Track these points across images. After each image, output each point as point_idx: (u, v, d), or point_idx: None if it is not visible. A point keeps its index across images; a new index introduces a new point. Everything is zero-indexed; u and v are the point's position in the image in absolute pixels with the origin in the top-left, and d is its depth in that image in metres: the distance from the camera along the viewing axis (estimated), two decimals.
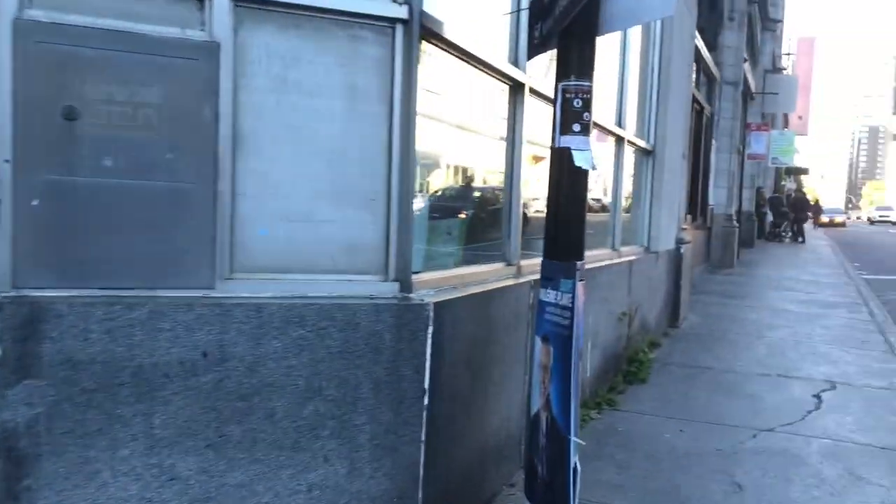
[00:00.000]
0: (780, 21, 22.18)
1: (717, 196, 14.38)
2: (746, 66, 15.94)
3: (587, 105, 2.61)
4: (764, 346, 7.14)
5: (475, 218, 3.88)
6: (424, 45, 2.95)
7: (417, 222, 2.96)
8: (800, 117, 39.10)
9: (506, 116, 3.70)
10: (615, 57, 5.91)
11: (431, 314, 2.61)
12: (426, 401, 2.62)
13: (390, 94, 2.63)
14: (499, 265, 3.65)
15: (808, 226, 50.30)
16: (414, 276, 2.74)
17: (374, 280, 2.66)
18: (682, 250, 8.01)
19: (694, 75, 11.91)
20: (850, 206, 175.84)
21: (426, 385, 2.62)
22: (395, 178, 2.64)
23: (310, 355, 2.48)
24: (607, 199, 6.11)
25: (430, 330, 2.60)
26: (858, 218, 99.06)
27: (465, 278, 3.21)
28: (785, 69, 27.50)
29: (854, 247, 26.32)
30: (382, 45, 2.62)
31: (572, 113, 2.60)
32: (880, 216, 66.49)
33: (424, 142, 3.28)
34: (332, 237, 2.62)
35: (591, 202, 6.13)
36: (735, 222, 14.79)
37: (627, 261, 6.04)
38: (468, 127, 3.69)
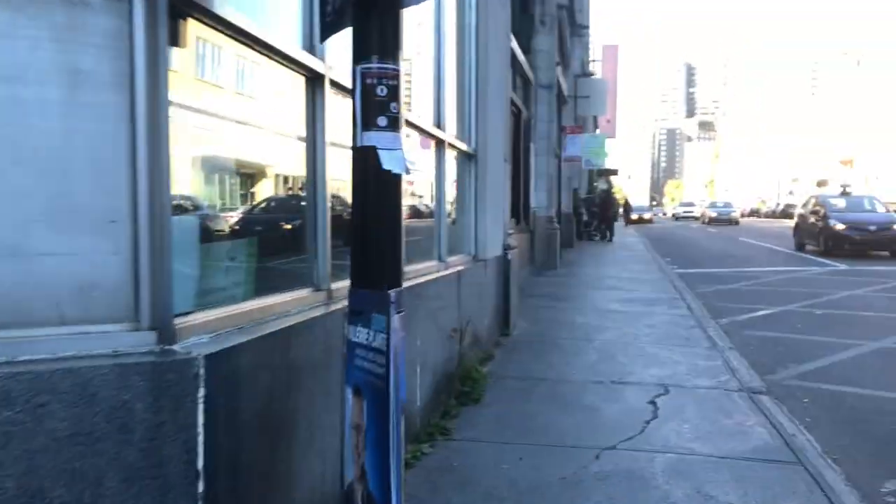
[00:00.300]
0: (587, 27, 23.19)
1: (538, 199, 14.55)
2: (559, 70, 16.34)
3: (394, 93, 2.08)
4: (594, 351, 7.01)
5: (272, 235, 3.24)
6: (189, 24, 2.31)
7: (184, 247, 2.30)
8: (608, 121, 41.39)
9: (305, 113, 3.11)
10: (429, 52, 5.48)
11: (203, 371, 1.96)
12: (201, 486, 1.97)
13: (130, 81, 1.95)
14: (304, 292, 3.05)
15: (619, 224, 53.82)
16: (179, 320, 2.08)
17: (119, 330, 1.96)
18: (509, 256, 7.77)
19: (511, 78, 11.88)
20: (654, 203, 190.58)
21: (200, 465, 1.97)
22: (142, 191, 1.96)
23: (22, 446, 1.76)
24: (430, 207, 5.67)
25: (203, 393, 1.96)
26: (664, 214, 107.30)
27: (258, 313, 2.58)
28: (594, 74, 28.87)
29: (663, 242, 28.10)
30: (116, 13, 1.94)
31: (376, 103, 2.06)
32: (684, 212, 69.28)
33: (200, 144, 2.61)
34: (56, 275, 1.90)
35: (418, 208, 5.68)
36: (556, 224, 15.04)
37: (456, 271, 5.62)
38: (259, 125, 3.05)
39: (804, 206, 22.68)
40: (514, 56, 11.64)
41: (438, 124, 5.45)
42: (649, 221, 60.55)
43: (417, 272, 4.75)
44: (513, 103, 11.81)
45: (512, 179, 12.58)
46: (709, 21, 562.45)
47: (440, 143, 5.50)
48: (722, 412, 5.02)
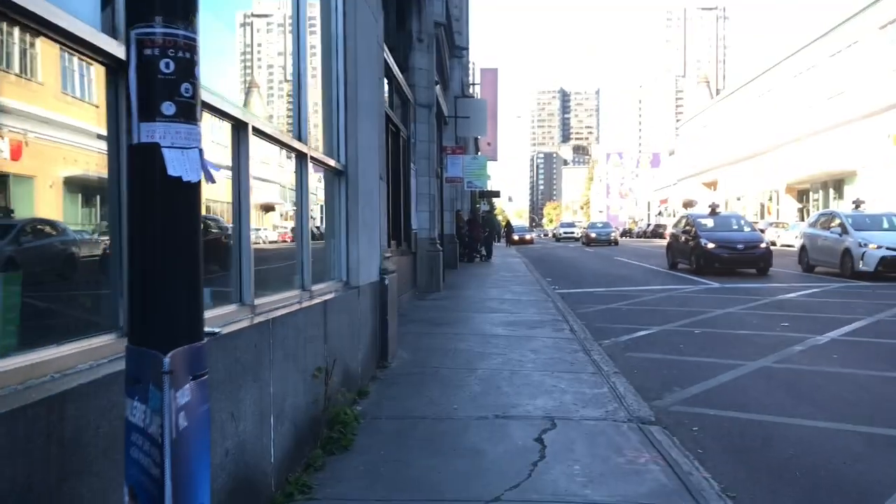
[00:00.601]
0: (466, 49, 23.15)
1: (420, 220, 14.11)
2: (438, 89, 16.06)
3: (187, 70, 1.50)
4: (478, 382, 6.54)
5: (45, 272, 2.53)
6: None
7: None
8: (489, 143, 41.86)
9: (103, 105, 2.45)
10: (287, 59, 4.89)
11: None
12: None
13: None
14: (102, 340, 2.37)
15: (501, 244, 54.47)
16: None
17: None
18: (387, 281, 7.21)
19: (387, 94, 11.41)
20: (533, 224, 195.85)
21: None
22: None
23: None
24: (290, 228, 5.04)
25: None
26: (545, 235, 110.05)
27: (22, 374, 1.90)
28: (474, 95, 28.94)
29: (544, 262, 28.40)
30: None
31: (160, 83, 1.47)
32: (565, 233, 69.83)
33: None
34: None
35: (282, 230, 5.04)
36: (439, 246, 14.64)
37: (322, 301, 5.01)
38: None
39: (676, 225, 23.43)
40: (390, 72, 11.19)
41: (299, 136, 4.85)
42: (530, 242, 61.77)
43: (273, 305, 4.12)
44: (391, 121, 11.34)
45: (391, 200, 12.09)
46: (583, 49, 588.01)
47: (301, 157, 4.90)
48: (613, 448, 4.63)
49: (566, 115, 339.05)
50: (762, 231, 24.15)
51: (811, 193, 48.76)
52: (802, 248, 20.38)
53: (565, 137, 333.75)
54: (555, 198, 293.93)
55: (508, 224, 64.79)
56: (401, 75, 12.56)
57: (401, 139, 12.37)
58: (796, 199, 51.49)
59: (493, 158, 44.37)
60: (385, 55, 9.87)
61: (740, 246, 19.36)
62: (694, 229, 20.62)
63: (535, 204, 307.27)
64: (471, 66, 29.39)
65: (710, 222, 21.20)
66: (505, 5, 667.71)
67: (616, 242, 49.86)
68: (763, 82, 55.62)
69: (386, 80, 11.42)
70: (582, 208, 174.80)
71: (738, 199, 59.70)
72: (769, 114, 54.66)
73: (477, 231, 27.45)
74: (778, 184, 52.08)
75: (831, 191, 45.18)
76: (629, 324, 10.82)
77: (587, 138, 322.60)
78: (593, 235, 50.80)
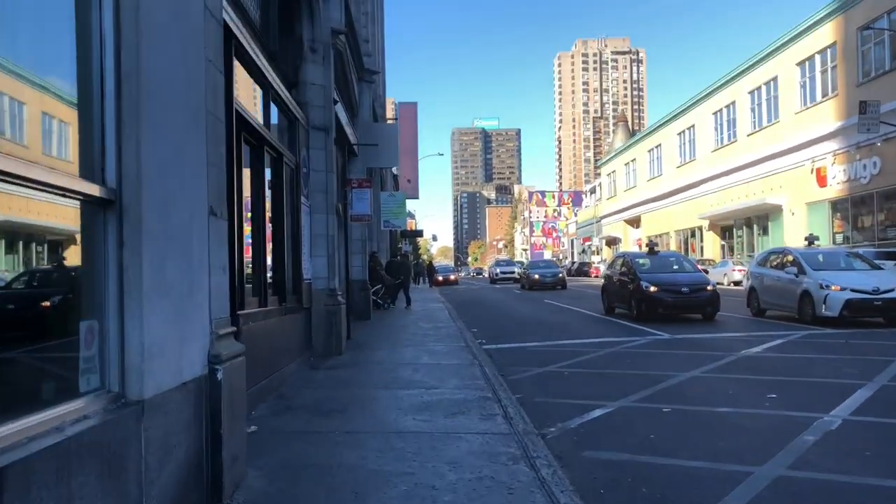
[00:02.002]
0: (377, 73, 20.81)
1: (315, 267, 11.49)
2: (340, 110, 13.57)
3: None
4: None
5: None
6: None
7: None
8: (409, 181, 39.62)
9: None
10: None
11: None
12: None
13: None
14: None
15: (423, 286, 51.99)
16: None
17: None
18: (220, 375, 4.57)
19: (261, 107, 8.88)
20: (459, 263, 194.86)
21: None
22: None
23: None
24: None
25: None
26: (479, 274, 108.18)
27: None
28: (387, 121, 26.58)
29: (469, 307, 26.01)
30: None
31: None
32: (502, 273, 57.64)
33: None
34: None
35: None
36: (340, 298, 12.00)
37: (22, 458, 2.38)
38: None
39: (611, 266, 21.45)
40: (265, 79, 8.66)
41: None
42: (455, 283, 59.56)
43: None
44: (267, 143, 8.80)
45: (273, 244, 9.45)
46: (504, 89, 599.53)
47: None
48: None
49: (488, 156, 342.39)
50: (705, 272, 22.29)
51: (735, 230, 48.30)
52: (751, 289, 18.57)
53: (488, 177, 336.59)
54: (479, 236, 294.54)
55: (430, 264, 63.69)
56: (287, 93, 10.05)
57: (284, 167, 9.80)
58: (719, 235, 51.07)
59: (413, 196, 42.17)
60: (244, 40, 7.34)
61: (685, 289, 17.39)
62: (633, 271, 18.61)
63: (460, 243, 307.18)
64: (388, 100, 26.99)
65: (649, 263, 19.25)
66: (421, 43, 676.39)
67: (564, 285, 40.55)
68: (683, 120, 55.45)
69: (260, 90, 8.87)
70: (506, 247, 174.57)
71: (659, 236, 59.15)
72: (690, 150, 54.47)
73: (374, 274, 23.88)
74: (701, 221, 51.57)
75: (755, 227, 44.73)
76: (577, 398, 8.46)
77: (509, 177, 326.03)
78: (536, 277, 40.28)
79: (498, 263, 66.01)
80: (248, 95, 8.14)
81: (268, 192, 9.03)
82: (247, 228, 8.29)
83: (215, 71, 4.81)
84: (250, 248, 8.54)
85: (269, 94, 9.02)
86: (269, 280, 9.17)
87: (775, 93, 40.57)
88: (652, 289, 17.51)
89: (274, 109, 9.68)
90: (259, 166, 8.60)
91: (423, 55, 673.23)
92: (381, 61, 30.38)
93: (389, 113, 40.20)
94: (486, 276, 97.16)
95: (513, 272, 55.96)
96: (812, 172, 35.88)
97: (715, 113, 49.51)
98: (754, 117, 43.50)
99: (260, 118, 8.67)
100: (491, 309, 25.39)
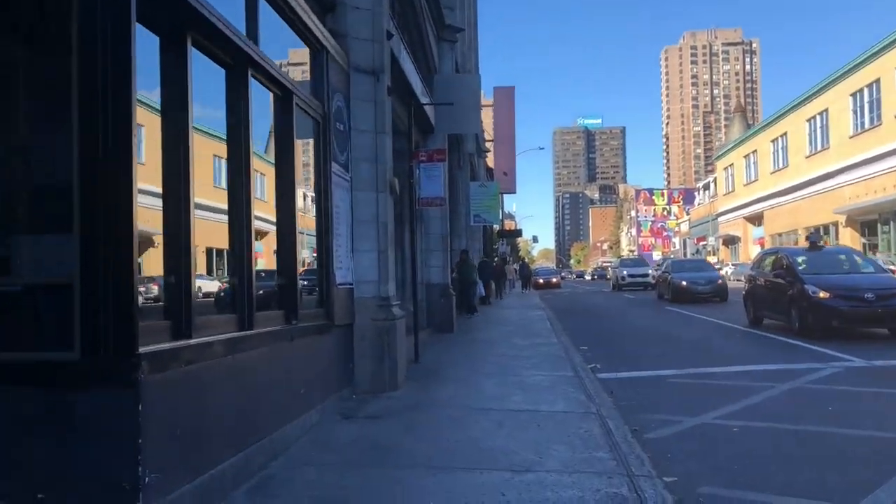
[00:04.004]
0: (461, 30, 17.31)
1: (359, 267, 8.11)
2: (407, 60, 10.15)
3: None
4: None
5: None
6: None
7: None
8: (505, 173, 35.94)
9: None
10: None
11: None
12: None
13: None
14: None
15: (516, 289, 47.14)
16: None
17: None
18: None
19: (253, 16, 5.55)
20: (560, 265, 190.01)
21: None
22: None
23: None
24: None
25: None
26: (580, 277, 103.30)
27: None
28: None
29: (573, 316, 22.10)
30: None
31: None
32: (630, 277, 41.84)
33: None
34: None
35: None
36: (396, 310, 8.54)
37: None
38: None
39: (758, 265, 17.09)
40: None
41: None
42: (556, 286, 55.17)
43: None
44: (259, 69, 5.48)
45: (280, 230, 6.16)
46: (606, 86, 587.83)
47: None
48: None
49: (591, 155, 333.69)
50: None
51: (879, 225, 42.04)
52: None
53: (591, 177, 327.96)
54: (581, 238, 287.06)
55: (524, 264, 55.23)
56: (305, 6, 6.73)
57: (298, 114, 6.45)
58: (859, 232, 44.79)
59: (510, 191, 38.50)
60: None
61: (869, 295, 12.91)
62: (793, 271, 14.31)
63: (562, 245, 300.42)
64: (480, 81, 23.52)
65: (811, 260, 14.85)
66: (517, 42, 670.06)
67: (724, 296, 25.82)
68: (814, 104, 49.27)
69: None
70: (611, 248, 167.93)
71: (780, 235, 53.11)
72: (822, 138, 48.34)
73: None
74: (836, 216, 45.43)
75: None
76: (778, 490, 4.72)
77: (613, 177, 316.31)
78: (684, 285, 26.25)
79: (624, 264, 48.32)
80: None
81: (259, 147, 5.68)
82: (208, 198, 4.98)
83: None
84: (230, 236, 5.25)
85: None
86: (272, 287, 5.86)
87: None
88: (822, 294, 13.19)
89: (281, 25, 6.36)
90: (237, 100, 5.27)
91: (520, 54, 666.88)
92: (475, 60, 26.96)
93: (482, 99, 36.78)
94: (589, 278, 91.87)
95: (646, 275, 41.44)
96: None
97: (853, 94, 43.38)
98: None
99: (242, 27, 5.34)
100: (601, 318, 21.40)
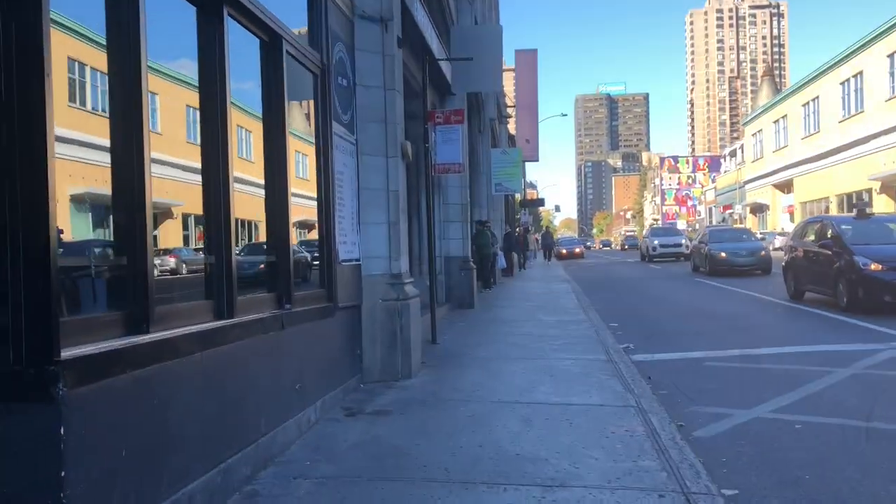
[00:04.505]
0: None
1: (366, 241, 7.25)
2: (419, 9, 9.14)
3: None
4: None
5: None
6: None
7: None
8: (527, 140, 34.76)
9: None
10: None
11: None
12: None
13: None
14: None
15: (540, 259, 46.26)
16: None
17: None
18: None
19: None
20: (582, 234, 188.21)
21: None
22: None
23: None
24: None
25: None
26: (606, 246, 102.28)
27: None
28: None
29: (600, 289, 21.13)
30: None
31: None
32: (663, 246, 38.68)
33: None
34: None
35: None
36: (409, 288, 7.67)
37: None
38: None
39: (800, 234, 16.00)
40: None
41: None
42: (580, 256, 54.07)
43: None
44: (257, 20, 4.57)
45: (270, 198, 5.31)
46: (629, 52, 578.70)
47: None
48: None
49: (614, 123, 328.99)
50: None
51: None
52: None
53: (614, 145, 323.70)
54: (604, 207, 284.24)
55: (547, 233, 53.58)
56: None
57: (289, 62, 5.53)
58: (894, 199, 43.14)
59: (532, 158, 37.32)
60: None
61: None
62: (840, 241, 13.25)
63: (584, 214, 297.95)
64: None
65: (859, 229, 13.76)
66: (539, 8, 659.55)
67: (768, 268, 23.46)
68: (849, 66, 47.28)
69: None
70: (634, 217, 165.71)
71: (810, 202, 51.45)
72: (856, 101, 46.44)
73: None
74: (871, 182, 43.77)
75: None
76: None
77: (637, 145, 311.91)
78: (723, 256, 23.96)
79: (655, 233, 43.94)
80: None
81: (235, 97, 4.77)
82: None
83: None
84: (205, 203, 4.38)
85: None
86: (255, 267, 5.01)
87: None
88: (873, 266, 12.16)
89: None
90: (211, 45, 4.36)
91: (542, 20, 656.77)
92: (496, 20, 25.71)
93: (503, 64, 35.49)
94: (617, 247, 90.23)
95: (679, 244, 38.06)
96: None
97: (891, 55, 41.48)
98: None
99: None
100: (630, 292, 20.41)
